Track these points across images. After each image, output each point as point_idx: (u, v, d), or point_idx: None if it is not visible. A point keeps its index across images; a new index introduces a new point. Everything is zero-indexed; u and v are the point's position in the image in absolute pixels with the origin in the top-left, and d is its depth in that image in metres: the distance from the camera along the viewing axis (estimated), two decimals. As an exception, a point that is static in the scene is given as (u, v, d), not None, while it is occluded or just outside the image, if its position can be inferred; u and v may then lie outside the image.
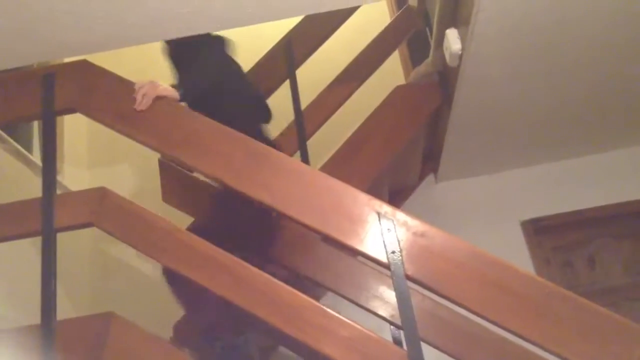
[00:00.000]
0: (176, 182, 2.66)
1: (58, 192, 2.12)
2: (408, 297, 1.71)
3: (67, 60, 2.41)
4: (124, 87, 2.13)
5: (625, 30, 2.45)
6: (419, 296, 2.14)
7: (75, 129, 3.61)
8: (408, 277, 1.72)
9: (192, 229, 2.33)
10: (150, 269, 2.68)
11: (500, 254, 1.73)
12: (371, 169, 2.76)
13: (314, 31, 3.08)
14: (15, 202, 2.11)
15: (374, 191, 2.42)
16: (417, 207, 3.40)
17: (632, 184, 3.40)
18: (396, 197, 3.43)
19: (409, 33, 3.25)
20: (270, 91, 3.02)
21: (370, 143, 2.80)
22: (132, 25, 2.06)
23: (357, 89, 3.06)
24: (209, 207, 2.59)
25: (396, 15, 3.38)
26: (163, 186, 2.68)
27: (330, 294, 2.46)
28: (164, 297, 2.38)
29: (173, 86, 2.12)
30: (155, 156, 2.78)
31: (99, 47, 2.22)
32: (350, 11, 3.05)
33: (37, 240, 2.00)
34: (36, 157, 3.21)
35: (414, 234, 1.76)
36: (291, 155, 2.73)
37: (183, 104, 2.12)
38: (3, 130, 2.97)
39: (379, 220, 1.78)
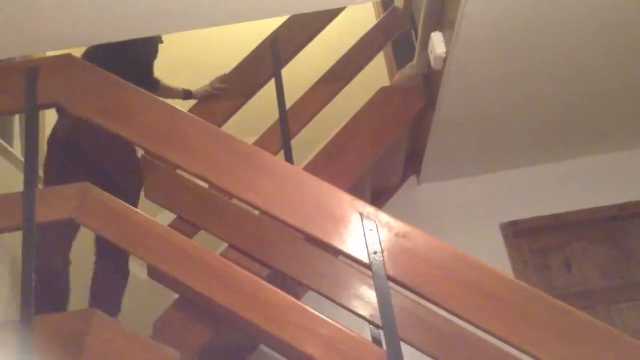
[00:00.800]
0: (160, 178, 2.65)
1: (39, 186, 2.10)
2: (388, 297, 1.73)
3: (50, 54, 2.39)
4: (108, 82, 2.12)
5: (606, 36, 2.50)
6: (399, 296, 2.16)
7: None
8: (389, 278, 1.74)
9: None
10: (132, 265, 2.67)
11: (479, 255, 1.76)
12: (354, 169, 2.77)
13: (300, 30, 3.08)
14: (-5, 196, 2.09)
15: (357, 192, 2.44)
16: (399, 208, 3.43)
17: (609, 189, 3.46)
18: (379, 198, 3.46)
19: (395, 35, 3.27)
20: (256, 89, 3.01)
21: (353, 143, 2.82)
22: (118, 21, 2.05)
23: (341, 89, 3.07)
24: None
25: (382, 16, 3.40)
26: (146, 182, 2.66)
27: (311, 292, 2.47)
28: (146, 294, 2.37)
29: None
30: (138, 151, 2.77)
31: (83, 42, 2.21)
32: (336, 11, 3.05)
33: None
34: (17, 150, 3.17)
35: (396, 235, 1.78)
36: (275, 154, 2.73)
37: None
38: (-17, 123, 2.93)
39: (362, 220, 1.80)
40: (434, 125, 2.98)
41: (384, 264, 1.74)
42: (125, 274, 2.64)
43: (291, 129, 2.87)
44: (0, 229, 2.12)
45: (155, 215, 2.56)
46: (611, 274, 3.41)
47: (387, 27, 3.24)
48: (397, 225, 1.79)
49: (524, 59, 2.57)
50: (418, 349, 2.20)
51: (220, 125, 2.80)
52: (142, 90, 2.12)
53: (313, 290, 2.35)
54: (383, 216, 1.80)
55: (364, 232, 1.78)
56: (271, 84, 2.95)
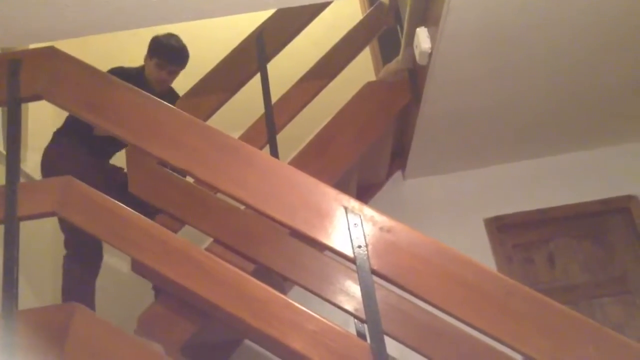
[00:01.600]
0: (144, 172, 2.63)
1: (22, 180, 2.08)
2: (373, 291, 1.74)
3: (33, 46, 2.36)
4: (92, 75, 2.10)
5: (591, 33, 2.52)
6: (383, 291, 2.17)
7: (40, 115, 3.54)
8: (373, 272, 1.75)
9: None
10: (116, 261, 2.66)
11: (464, 250, 1.77)
12: (340, 164, 2.77)
13: (286, 25, 3.08)
14: (-23, 189, 2.07)
15: (343, 187, 2.44)
16: (384, 203, 3.45)
17: (592, 184, 3.49)
18: (364, 193, 3.46)
19: (380, 30, 3.27)
20: (241, 84, 3.00)
21: (339, 138, 2.82)
22: (102, 13, 2.03)
23: (327, 84, 3.07)
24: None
25: (368, 11, 3.40)
26: (130, 176, 2.65)
27: (297, 288, 2.47)
28: (130, 289, 2.36)
29: None
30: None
31: (67, 34, 2.18)
32: (322, 6, 3.05)
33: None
34: (-1, 144, 3.14)
35: (381, 229, 1.79)
36: (260, 148, 2.73)
37: None
38: (-36, 116, 2.89)
39: (346, 215, 1.80)
40: (419, 121, 2.99)
41: (368, 258, 1.74)
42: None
43: (277, 124, 2.87)
44: (-19, 223, 2.09)
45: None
46: (594, 269, 3.45)
47: (373, 22, 3.25)
48: (382, 219, 1.80)
49: (509, 55, 2.59)
50: (402, 342, 2.22)
51: (205, 120, 2.78)
52: (127, 84, 2.10)
53: (299, 285, 2.35)
54: (367, 210, 1.81)
55: (349, 226, 1.78)
56: (257, 79, 2.94)
